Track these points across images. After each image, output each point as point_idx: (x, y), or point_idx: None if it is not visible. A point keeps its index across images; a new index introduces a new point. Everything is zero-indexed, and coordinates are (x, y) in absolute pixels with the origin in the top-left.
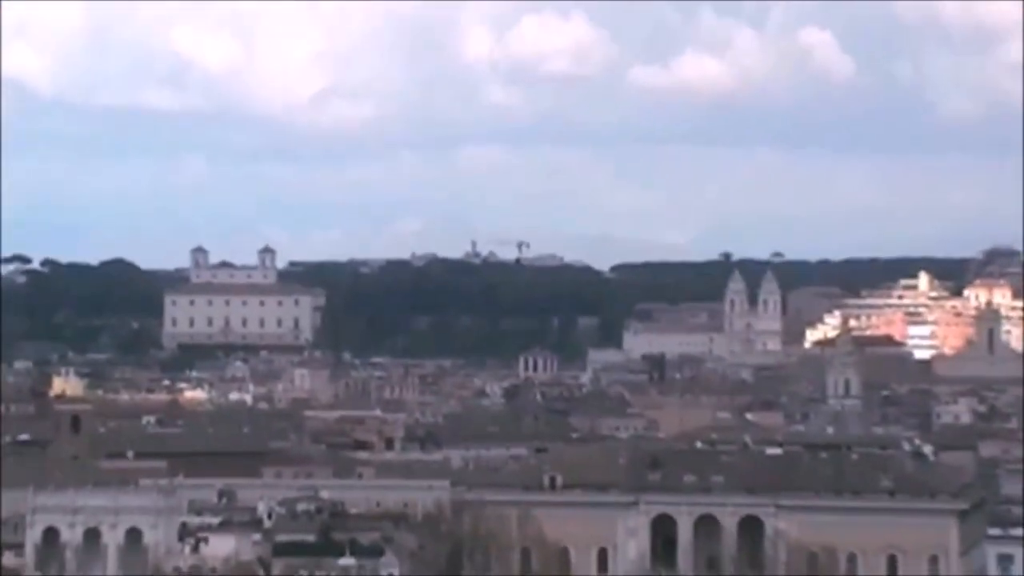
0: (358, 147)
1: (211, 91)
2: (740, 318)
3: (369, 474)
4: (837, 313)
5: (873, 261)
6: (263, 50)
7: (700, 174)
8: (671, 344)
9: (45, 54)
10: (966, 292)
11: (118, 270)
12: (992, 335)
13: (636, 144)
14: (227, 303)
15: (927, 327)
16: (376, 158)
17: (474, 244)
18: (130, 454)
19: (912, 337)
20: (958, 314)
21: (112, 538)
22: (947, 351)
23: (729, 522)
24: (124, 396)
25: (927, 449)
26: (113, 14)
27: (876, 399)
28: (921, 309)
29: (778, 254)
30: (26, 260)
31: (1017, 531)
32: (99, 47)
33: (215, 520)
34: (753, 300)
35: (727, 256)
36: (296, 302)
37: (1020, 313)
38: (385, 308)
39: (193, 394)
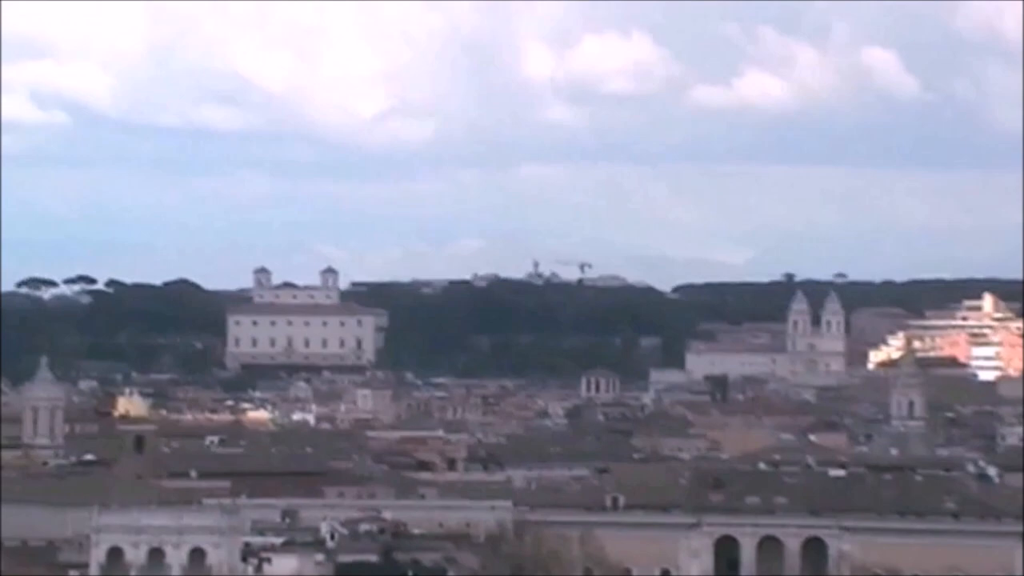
0: (418, 166)
1: (272, 110)
2: (803, 339)
3: (431, 495)
4: (900, 334)
5: (937, 282)
6: (324, 69)
7: (761, 193)
8: (733, 364)
9: (107, 74)
10: None
11: (181, 290)
12: None
13: (697, 163)
14: (290, 323)
15: (991, 348)
16: (436, 177)
17: (536, 264)
18: (193, 474)
19: (976, 358)
20: (1023, 335)
21: (176, 558)
22: (1012, 372)
23: (792, 543)
24: (187, 416)
25: (991, 471)
26: (174, 34)
27: (940, 420)
28: (985, 330)
29: (841, 275)
30: (91, 280)
31: None
32: (161, 67)
33: (278, 540)
34: (816, 321)
35: (790, 276)
36: (359, 322)
37: None
38: (447, 328)
39: (256, 414)
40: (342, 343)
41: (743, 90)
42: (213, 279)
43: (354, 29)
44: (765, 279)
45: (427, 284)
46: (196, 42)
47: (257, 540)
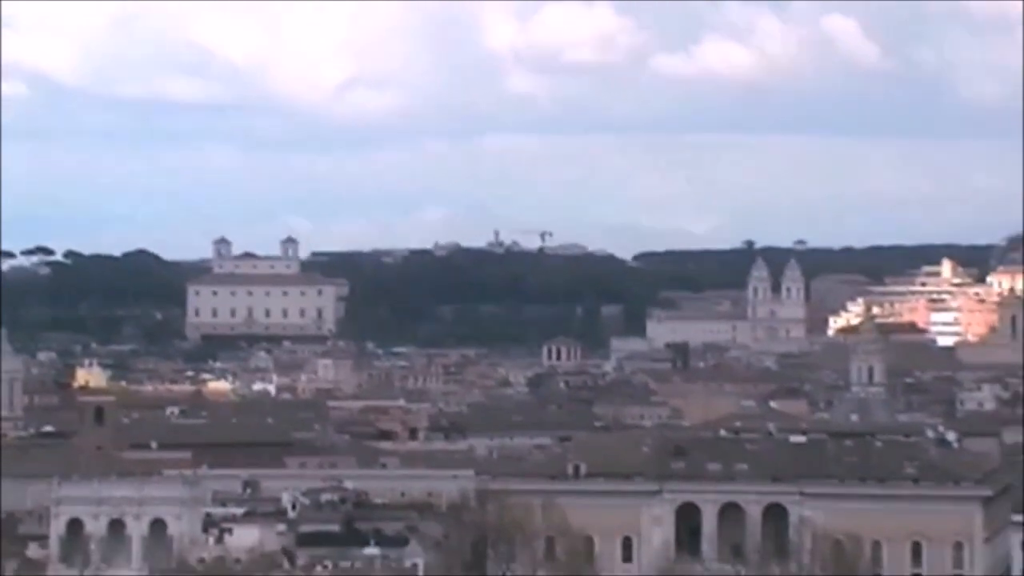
0: (382, 136)
1: (234, 81)
2: (763, 306)
3: (393, 464)
4: (860, 300)
5: (896, 248)
6: (287, 40)
7: (723, 162)
8: (695, 332)
9: (69, 46)
10: (989, 279)
11: (141, 261)
12: (1015, 321)
13: (659, 132)
14: (250, 294)
15: (950, 314)
16: (400, 147)
17: (497, 233)
18: (154, 445)
19: (935, 324)
20: (981, 301)
21: (136, 529)
22: (971, 338)
23: (754, 510)
24: (148, 387)
25: (951, 436)
26: (136, 5)
27: (900, 386)
28: (944, 296)
29: (801, 241)
30: (49, 252)
31: None
32: (123, 38)
33: (239, 511)
34: (776, 288)
35: (750, 244)
36: (319, 292)
37: None
38: (408, 298)
39: (217, 385)
40: (303, 313)
41: (705, 59)
42: (173, 250)
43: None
44: (726, 247)
45: (388, 254)
46: (159, 13)
47: (218, 511)
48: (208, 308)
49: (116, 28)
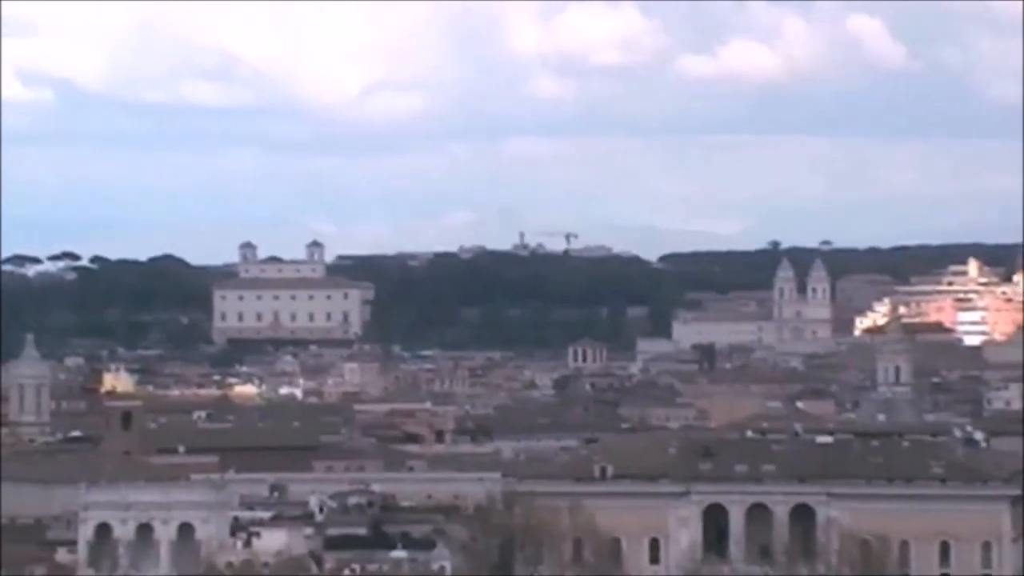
0: (407, 140)
1: (259, 85)
2: (789, 307)
3: (420, 467)
4: (886, 300)
5: (922, 248)
6: (311, 44)
7: (749, 163)
8: (721, 333)
9: (93, 51)
10: (1015, 278)
11: (167, 266)
12: None
13: (685, 134)
14: (276, 298)
15: (977, 313)
16: (425, 151)
17: (522, 236)
18: (181, 449)
19: (962, 323)
20: (1008, 300)
21: (164, 533)
22: (997, 337)
23: (781, 511)
24: (174, 392)
25: (978, 435)
26: (160, 10)
27: (927, 386)
28: (971, 295)
29: (827, 242)
30: (75, 257)
31: None
32: (146, 43)
33: (266, 514)
34: (802, 288)
35: (776, 245)
36: (345, 296)
37: None
38: (434, 301)
39: (243, 389)
40: (329, 317)
41: (730, 60)
42: (199, 254)
43: (341, 4)
44: (751, 248)
45: (413, 257)
46: (183, 18)
47: (246, 515)
48: (234, 312)
49: (141, 33)
